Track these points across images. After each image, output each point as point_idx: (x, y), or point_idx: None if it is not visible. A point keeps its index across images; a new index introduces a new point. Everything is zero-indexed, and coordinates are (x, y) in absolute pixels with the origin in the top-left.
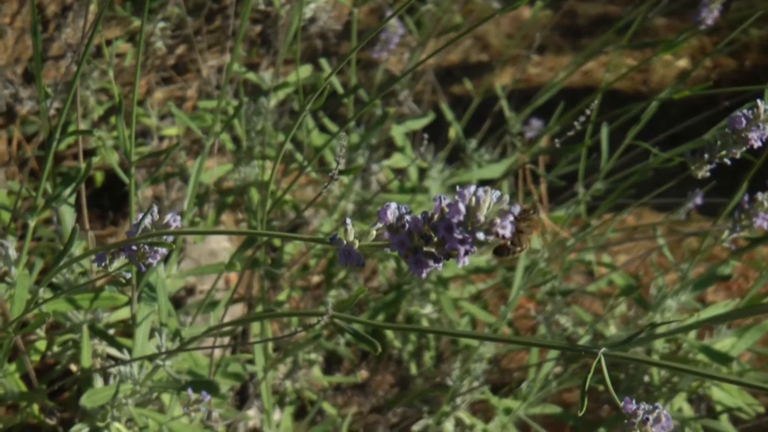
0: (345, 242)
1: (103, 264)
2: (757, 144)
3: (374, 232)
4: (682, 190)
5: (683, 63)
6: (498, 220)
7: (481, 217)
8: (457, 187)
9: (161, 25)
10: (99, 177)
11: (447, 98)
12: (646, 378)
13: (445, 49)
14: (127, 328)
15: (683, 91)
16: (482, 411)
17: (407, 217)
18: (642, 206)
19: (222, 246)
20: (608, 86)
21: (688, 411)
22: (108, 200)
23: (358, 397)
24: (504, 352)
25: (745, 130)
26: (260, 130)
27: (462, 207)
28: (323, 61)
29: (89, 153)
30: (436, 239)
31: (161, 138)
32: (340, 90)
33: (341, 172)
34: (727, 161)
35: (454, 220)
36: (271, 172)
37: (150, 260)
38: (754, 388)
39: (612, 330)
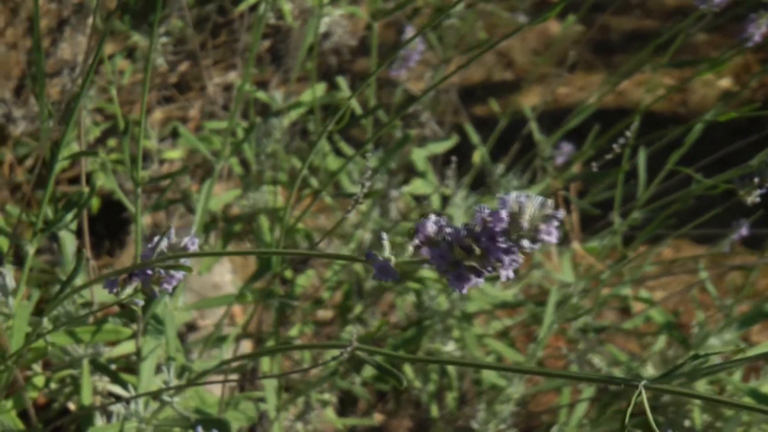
0: (381, 258)
1: (115, 290)
2: None
3: (411, 248)
4: (723, 221)
5: (726, 82)
6: (543, 226)
7: (525, 224)
8: (498, 196)
9: (163, 40)
10: (95, 203)
11: (469, 119)
12: (687, 423)
13: (467, 67)
14: (129, 364)
15: (729, 113)
16: None
17: (447, 230)
18: (681, 238)
19: (225, 279)
20: (646, 108)
21: None
22: (104, 228)
23: None
24: (533, 393)
25: None
26: (271, 153)
27: (504, 215)
28: (341, 80)
29: (85, 177)
30: (478, 251)
31: (162, 161)
32: (358, 110)
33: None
34: None
35: (497, 229)
36: (287, 199)
37: (165, 285)
38: None
39: (649, 370)
